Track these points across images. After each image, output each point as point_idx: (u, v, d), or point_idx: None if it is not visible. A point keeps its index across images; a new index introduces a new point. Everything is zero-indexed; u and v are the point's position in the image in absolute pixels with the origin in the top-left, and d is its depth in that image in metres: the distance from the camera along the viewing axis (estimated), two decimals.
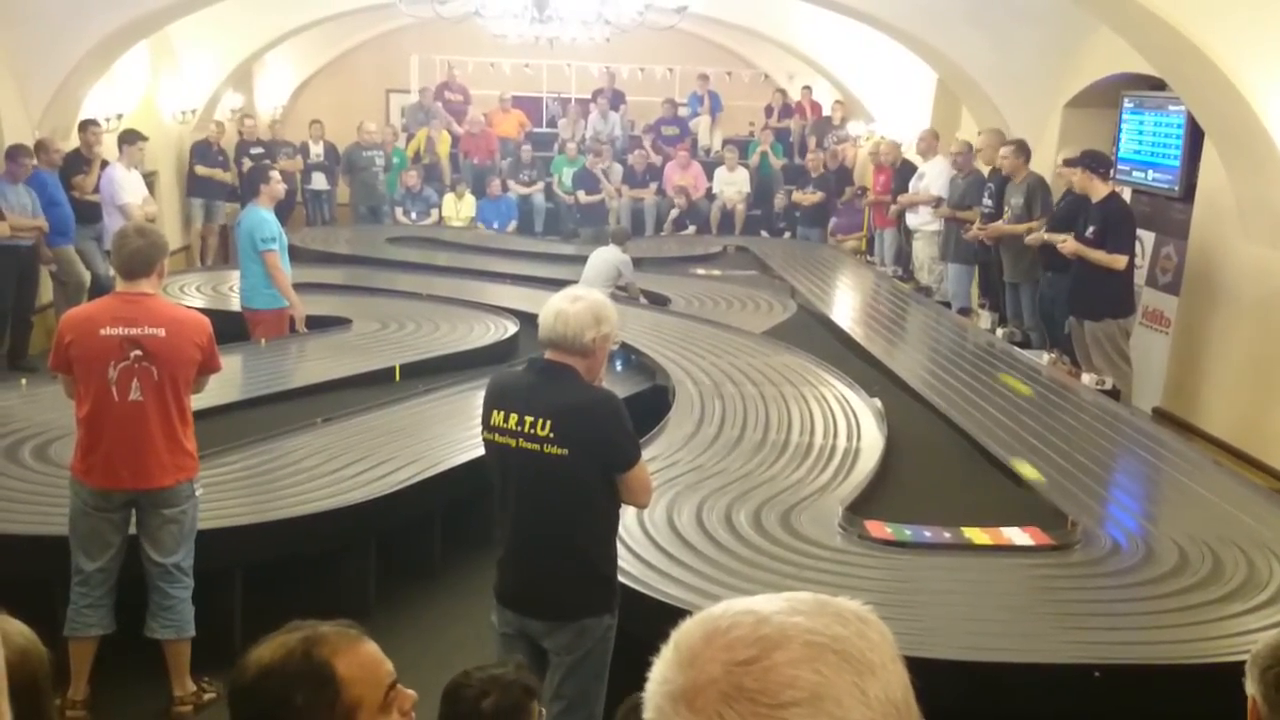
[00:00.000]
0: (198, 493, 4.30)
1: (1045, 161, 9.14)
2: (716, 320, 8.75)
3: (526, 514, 3.35)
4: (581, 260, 9.94)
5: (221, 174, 12.73)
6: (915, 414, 6.50)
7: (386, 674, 1.78)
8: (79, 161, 9.54)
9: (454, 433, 5.89)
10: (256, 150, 12.96)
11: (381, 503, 5.05)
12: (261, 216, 7.32)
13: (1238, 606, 3.98)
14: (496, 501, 3.45)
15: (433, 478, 5.32)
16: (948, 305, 9.86)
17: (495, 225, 13.93)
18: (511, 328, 8.08)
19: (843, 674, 0.92)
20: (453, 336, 7.97)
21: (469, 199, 14.07)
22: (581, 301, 3.29)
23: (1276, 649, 2.06)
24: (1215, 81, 6.52)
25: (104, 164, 9.70)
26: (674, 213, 14.09)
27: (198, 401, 4.47)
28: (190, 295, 8.93)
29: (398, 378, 7.00)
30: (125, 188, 9.59)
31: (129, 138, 9.84)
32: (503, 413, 3.30)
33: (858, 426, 6.03)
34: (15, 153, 8.51)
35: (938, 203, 10.55)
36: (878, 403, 6.40)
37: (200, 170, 12.59)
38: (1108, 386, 7.18)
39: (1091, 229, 7.38)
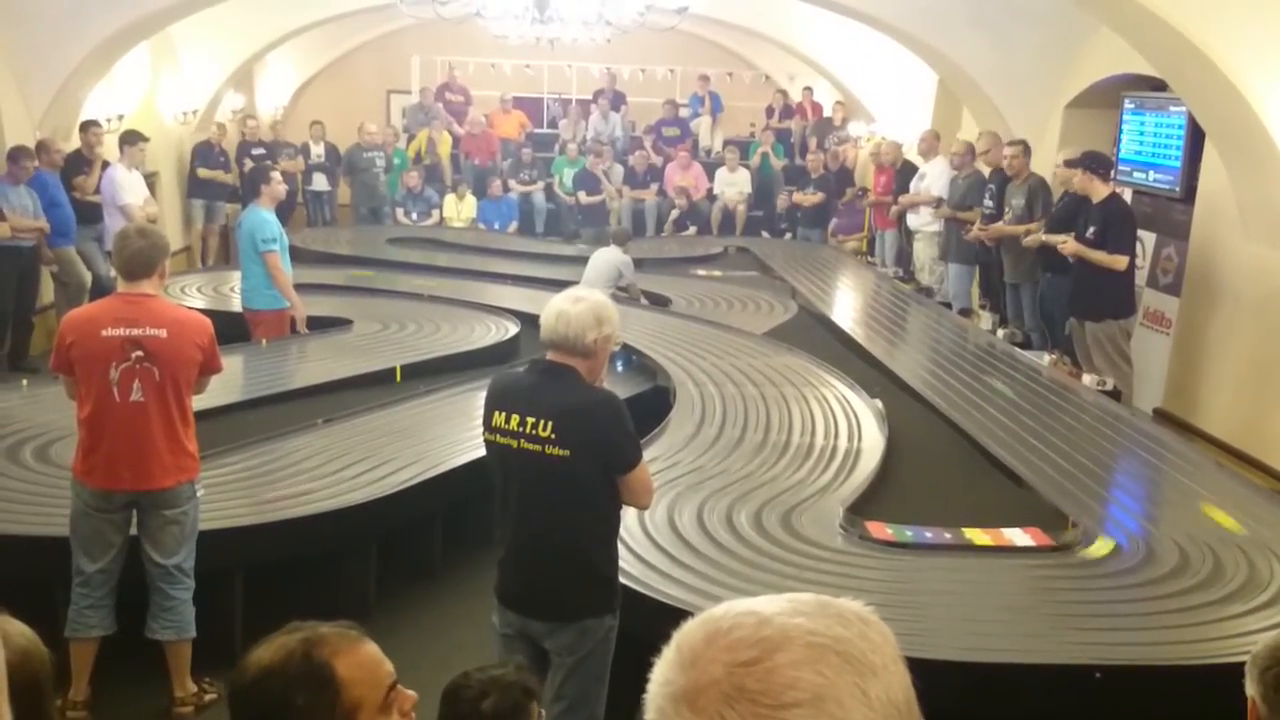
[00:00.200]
0: (199, 493, 4.30)
1: (1046, 162, 9.13)
2: (717, 321, 8.75)
3: (528, 515, 3.35)
4: (582, 261, 9.94)
5: (223, 175, 12.73)
6: (916, 415, 6.50)
7: (386, 674, 1.78)
8: (80, 162, 9.55)
9: (455, 433, 5.90)
10: (258, 151, 12.96)
11: (382, 503, 5.05)
12: (262, 217, 7.32)
13: (1238, 607, 3.98)
14: (498, 502, 3.45)
15: (433, 478, 5.33)
16: (948, 306, 9.85)
17: (496, 226, 13.94)
18: (512, 328, 8.08)
19: (844, 675, 0.92)
20: (454, 337, 7.97)
21: (470, 200, 14.07)
22: (583, 302, 3.29)
23: (1276, 650, 2.07)
24: (1216, 82, 6.52)
25: (105, 165, 9.70)
26: (674, 213, 14.09)
27: (199, 402, 4.47)
28: (191, 296, 8.94)
29: (399, 378, 7.01)
30: (126, 188, 9.60)
31: (130, 138, 9.84)
32: (504, 414, 3.31)
33: (858, 427, 6.03)
34: (17, 154, 8.51)
35: (938, 203, 10.55)
36: (878, 403, 6.40)
37: (202, 173, 12.59)
38: (1109, 387, 7.18)
39: (1092, 230, 7.38)
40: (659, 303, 9.60)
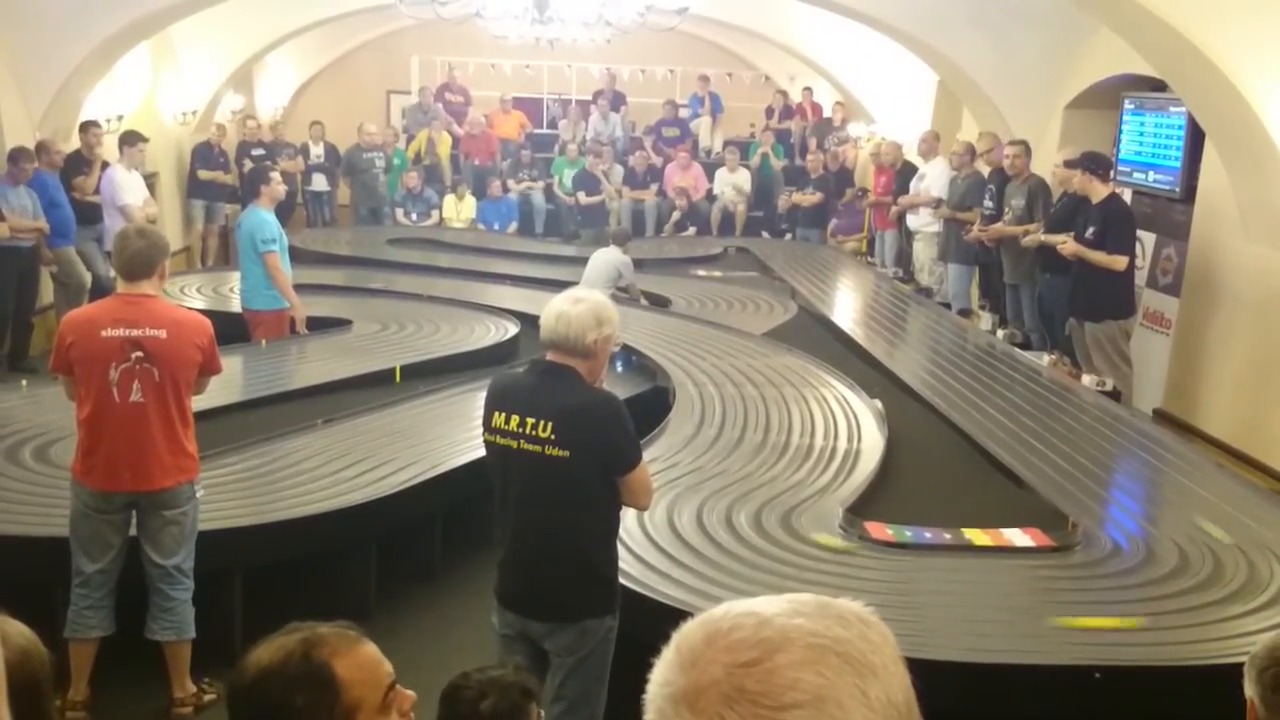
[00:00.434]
0: (198, 494, 4.30)
1: (1046, 163, 9.13)
2: (717, 321, 8.75)
3: (527, 515, 3.35)
4: (582, 261, 9.94)
5: (223, 176, 12.73)
6: (916, 415, 6.50)
7: (386, 675, 1.79)
8: (80, 163, 9.55)
9: (454, 434, 5.90)
10: (257, 151, 12.96)
11: (382, 504, 5.05)
12: (262, 218, 7.32)
13: (1238, 608, 3.98)
14: (497, 503, 3.45)
15: (433, 479, 5.33)
16: (948, 306, 9.86)
17: (496, 226, 13.94)
18: (512, 329, 8.08)
19: (845, 676, 0.92)
20: (453, 338, 7.97)
21: (469, 200, 14.07)
22: (583, 303, 3.29)
23: (1274, 650, 2.07)
24: (1216, 83, 6.52)
25: (105, 165, 9.70)
26: (675, 216, 14.09)
27: (198, 403, 4.47)
28: (191, 296, 8.94)
29: (398, 379, 7.01)
30: (126, 189, 9.60)
31: (129, 139, 9.84)
32: (504, 414, 3.30)
33: (858, 428, 6.03)
34: (17, 156, 8.51)
35: (937, 204, 10.55)
36: (878, 404, 6.40)
37: (202, 174, 12.59)
38: (1108, 388, 7.18)
39: (1091, 230, 7.38)
40: (659, 303, 9.60)
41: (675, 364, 7.17)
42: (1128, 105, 8.83)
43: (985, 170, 9.82)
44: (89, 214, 9.44)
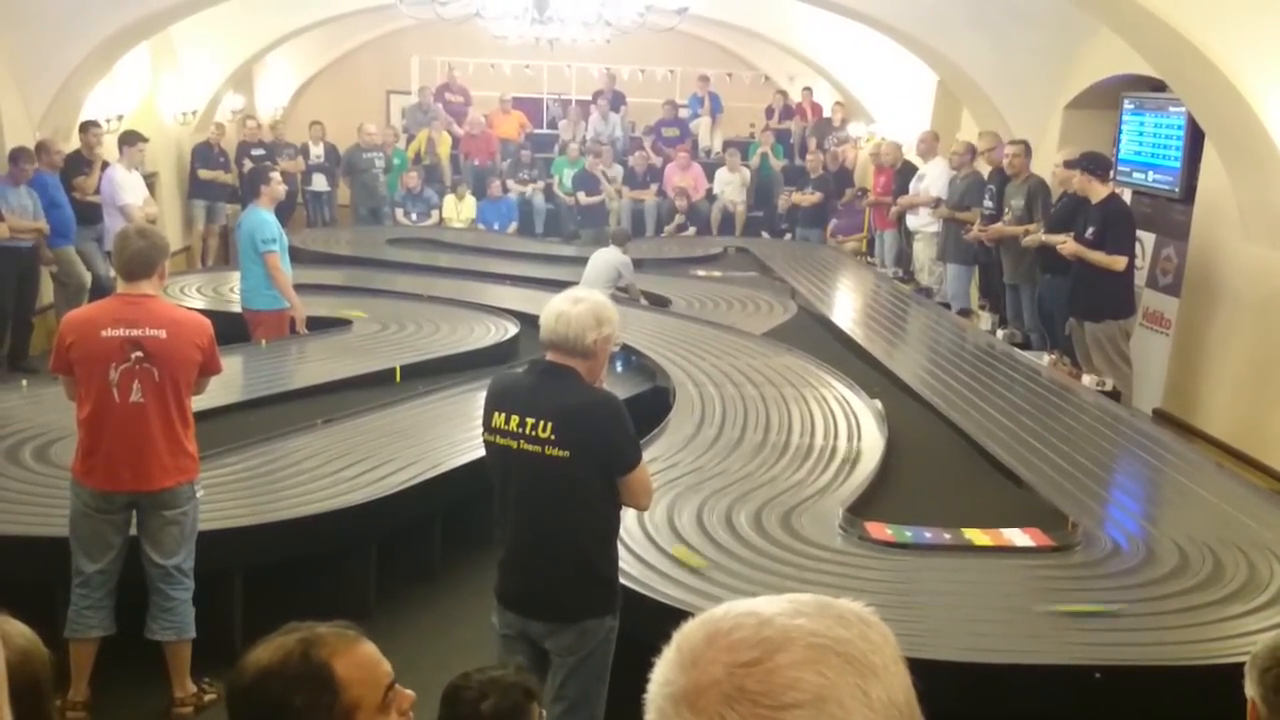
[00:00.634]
0: (198, 494, 4.30)
1: (1046, 163, 9.13)
2: (717, 321, 8.75)
3: (527, 515, 3.35)
4: (582, 261, 9.94)
5: (224, 176, 12.73)
6: (916, 415, 6.50)
7: (385, 674, 1.79)
8: (80, 163, 9.55)
9: (454, 434, 5.89)
10: (257, 151, 12.96)
11: (382, 504, 5.05)
12: (262, 218, 7.32)
13: (1238, 608, 3.98)
14: (497, 503, 3.45)
15: (433, 479, 5.33)
16: (948, 306, 9.86)
17: (496, 226, 13.94)
18: (512, 329, 8.08)
19: (845, 676, 0.92)
20: (453, 338, 7.97)
21: (469, 200, 14.07)
22: (583, 303, 3.29)
23: (1276, 650, 2.07)
24: (1215, 83, 6.52)
25: (105, 165, 9.70)
26: (678, 219, 14.10)
27: (198, 403, 4.47)
28: (191, 296, 8.93)
29: (398, 379, 7.00)
30: (126, 189, 9.60)
31: (129, 139, 9.84)
32: (504, 414, 3.30)
33: (858, 428, 6.03)
34: (17, 156, 8.51)
35: (936, 204, 10.55)
36: (878, 404, 6.40)
37: (203, 174, 12.59)
38: (1108, 388, 7.18)
39: (1091, 230, 7.38)
40: (658, 303, 9.60)
41: (675, 364, 7.17)
42: (1127, 105, 8.83)
43: (986, 169, 9.82)
44: (89, 214, 9.44)
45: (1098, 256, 7.31)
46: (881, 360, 7.68)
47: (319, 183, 14.00)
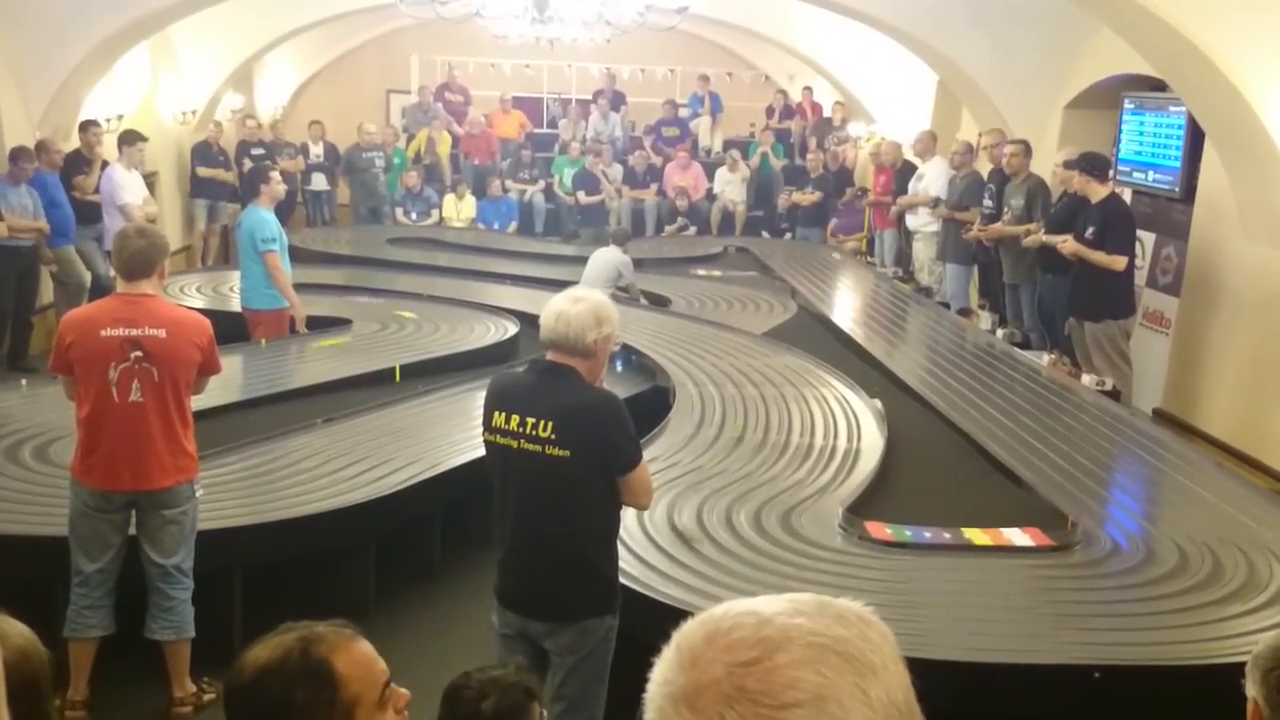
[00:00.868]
0: (198, 494, 4.30)
1: (1046, 163, 9.13)
2: (717, 321, 8.75)
3: (527, 515, 3.35)
4: (582, 261, 9.94)
5: (224, 174, 12.73)
6: (915, 415, 6.50)
7: (381, 672, 1.81)
8: (80, 162, 9.54)
9: (454, 433, 5.89)
10: (257, 151, 12.96)
11: (381, 504, 5.05)
12: (262, 217, 7.32)
13: (1238, 607, 3.98)
14: (497, 502, 3.45)
15: (433, 478, 5.32)
16: (947, 306, 9.86)
17: (495, 226, 13.94)
18: (512, 328, 8.08)
19: (845, 675, 0.92)
20: (453, 337, 7.97)
21: (469, 200, 14.07)
22: (583, 303, 3.29)
23: (1277, 650, 2.06)
24: (1215, 82, 6.52)
25: (104, 165, 9.70)
26: (679, 222, 14.09)
27: (198, 402, 4.47)
28: (190, 296, 8.93)
29: (398, 378, 7.00)
30: (125, 188, 9.60)
31: (128, 138, 9.84)
32: (504, 414, 3.30)
33: (858, 427, 6.03)
34: (17, 155, 8.51)
35: (935, 203, 10.55)
36: (878, 403, 6.39)
37: (202, 172, 12.59)
38: (1108, 387, 7.18)
39: (1091, 230, 7.38)
40: (658, 303, 9.60)
41: (675, 363, 7.17)
42: (1127, 105, 8.83)
43: (986, 168, 9.81)
44: (89, 213, 9.44)
45: (1098, 256, 7.31)
46: (881, 360, 7.67)
47: (319, 182, 14.00)
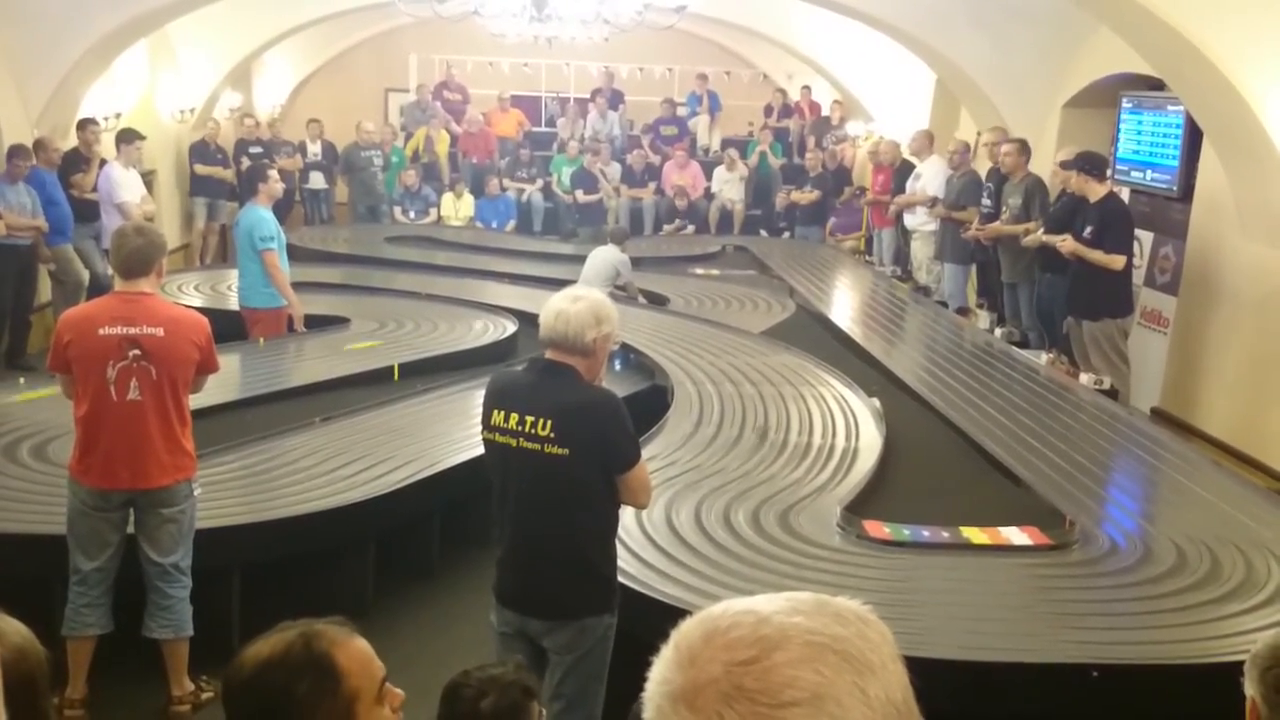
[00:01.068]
0: (196, 492, 4.30)
1: (1044, 162, 9.14)
2: (715, 320, 8.75)
3: (526, 513, 3.35)
4: (580, 260, 9.93)
5: (221, 172, 12.72)
6: (914, 414, 6.50)
7: (379, 668, 1.83)
8: (78, 160, 9.54)
9: (453, 432, 5.89)
10: (255, 149, 12.96)
11: (380, 502, 5.04)
12: (260, 215, 7.31)
13: (1236, 606, 3.98)
14: (496, 501, 3.45)
15: (431, 477, 5.32)
16: (946, 305, 9.86)
17: (494, 225, 13.93)
18: (510, 327, 8.07)
19: (843, 674, 0.92)
20: (451, 336, 7.96)
21: (467, 198, 14.06)
22: (582, 301, 3.29)
23: (1276, 649, 2.06)
24: (1214, 82, 6.52)
25: (102, 163, 9.69)
26: (677, 223, 14.08)
27: (196, 400, 4.47)
28: (189, 294, 8.93)
29: (396, 377, 7.00)
30: (123, 186, 9.58)
31: (126, 137, 9.82)
32: (503, 412, 3.30)
33: (856, 426, 6.03)
34: (14, 153, 8.51)
35: (933, 203, 10.55)
36: (876, 402, 6.40)
37: (199, 169, 12.58)
38: (1106, 386, 7.18)
39: (1089, 229, 7.38)
40: (657, 301, 9.60)
41: (673, 362, 7.17)
42: (1126, 104, 8.83)
43: (986, 166, 9.81)
44: (87, 212, 9.43)
45: (1096, 255, 7.31)
46: (879, 359, 7.68)
47: (317, 181, 13.99)
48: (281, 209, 10.21)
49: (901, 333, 8.97)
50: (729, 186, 14.34)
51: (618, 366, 7.49)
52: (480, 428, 3.45)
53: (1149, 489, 5.71)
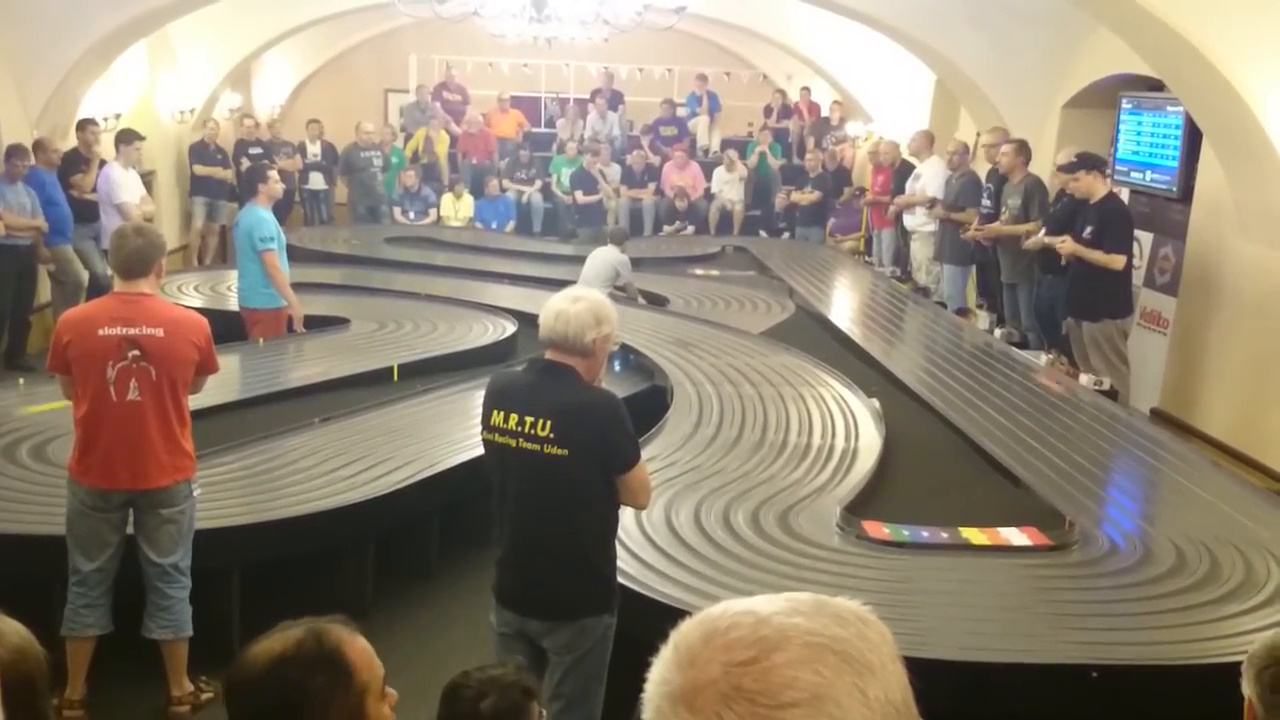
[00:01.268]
0: (195, 493, 4.30)
1: (1044, 162, 9.14)
2: (715, 320, 8.75)
3: (526, 514, 3.35)
4: (580, 260, 9.94)
5: (221, 172, 12.72)
6: (913, 414, 6.50)
7: (380, 666, 1.87)
8: (77, 161, 9.54)
9: (452, 433, 5.89)
10: (255, 150, 12.96)
11: (379, 503, 5.04)
12: (260, 216, 7.31)
13: (1235, 607, 3.98)
14: (495, 501, 3.45)
15: (431, 478, 5.32)
16: (945, 305, 9.86)
17: (493, 225, 13.93)
18: (510, 328, 8.07)
19: (842, 675, 0.92)
20: (451, 336, 7.96)
21: (467, 199, 14.06)
22: (582, 302, 3.29)
23: (1272, 649, 2.07)
24: (1213, 83, 6.52)
25: (102, 163, 9.69)
26: (678, 221, 14.08)
27: (196, 401, 4.47)
28: (188, 295, 8.93)
29: (396, 378, 7.00)
30: (122, 187, 9.58)
31: (126, 137, 9.82)
32: (503, 413, 3.30)
33: (855, 427, 6.03)
34: (12, 153, 8.50)
35: (932, 203, 10.55)
36: (875, 403, 6.40)
37: (199, 170, 12.58)
38: (1105, 387, 7.18)
39: (1089, 229, 7.38)
40: (656, 302, 9.60)
41: (673, 363, 7.17)
42: (1125, 105, 8.83)
43: (986, 167, 9.81)
44: (86, 212, 9.43)
45: (1096, 255, 7.31)
46: (879, 359, 7.68)
47: (316, 181, 13.99)
48: (281, 210, 10.20)
49: (901, 333, 8.98)
50: (728, 187, 14.34)
51: (617, 367, 7.49)
52: (480, 428, 3.45)
53: (1148, 490, 5.71)
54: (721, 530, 4.52)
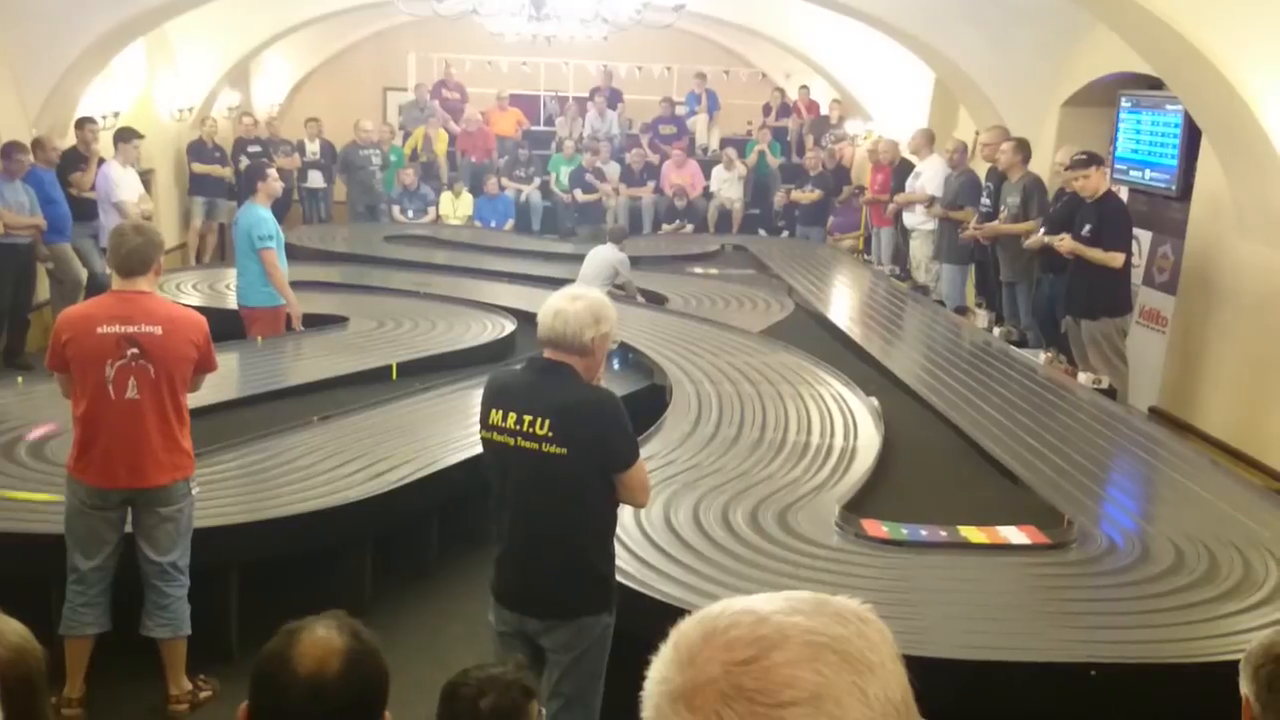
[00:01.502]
0: (194, 491, 4.30)
1: (1043, 161, 9.14)
2: (714, 319, 8.75)
3: (524, 513, 3.35)
4: (579, 259, 9.93)
5: (220, 170, 12.72)
6: (912, 413, 6.51)
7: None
8: (76, 159, 9.54)
9: (451, 431, 5.89)
10: (254, 148, 12.95)
11: (378, 501, 5.04)
12: (259, 214, 7.31)
13: (1233, 606, 3.98)
14: (494, 500, 3.45)
15: (429, 476, 5.32)
16: (944, 304, 9.86)
17: (492, 224, 13.93)
18: (509, 326, 8.07)
19: (842, 674, 0.92)
20: (450, 335, 7.96)
21: (466, 197, 14.05)
22: (581, 300, 3.29)
23: (1269, 648, 2.07)
24: (1213, 81, 6.52)
25: (100, 162, 9.69)
26: (676, 222, 14.08)
27: (194, 399, 4.47)
28: (187, 293, 8.92)
29: (394, 376, 7.00)
30: (121, 185, 9.57)
31: (124, 135, 9.82)
32: (501, 411, 3.30)
33: (854, 425, 6.03)
34: (10, 150, 8.50)
35: (931, 202, 10.55)
36: (874, 402, 6.40)
37: (197, 168, 12.57)
38: (1104, 386, 7.18)
39: (1088, 227, 7.38)
40: (655, 301, 9.59)
41: (672, 361, 7.17)
42: (1124, 103, 8.83)
43: (984, 165, 9.81)
44: (85, 210, 9.43)
45: (1095, 253, 7.31)
46: (878, 358, 7.68)
47: (315, 180, 13.99)
48: (280, 208, 10.19)
49: (900, 332, 8.98)
50: (727, 186, 14.34)
51: (616, 366, 7.49)
52: (478, 427, 3.44)
53: (1147, 488, 5.71)
54: (720, 529, 4.52)
